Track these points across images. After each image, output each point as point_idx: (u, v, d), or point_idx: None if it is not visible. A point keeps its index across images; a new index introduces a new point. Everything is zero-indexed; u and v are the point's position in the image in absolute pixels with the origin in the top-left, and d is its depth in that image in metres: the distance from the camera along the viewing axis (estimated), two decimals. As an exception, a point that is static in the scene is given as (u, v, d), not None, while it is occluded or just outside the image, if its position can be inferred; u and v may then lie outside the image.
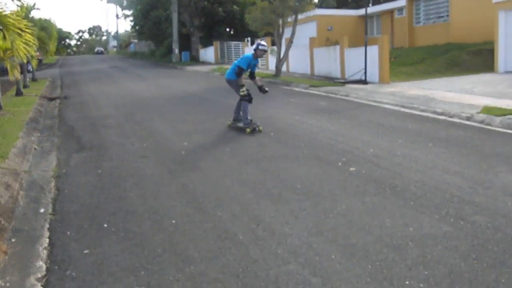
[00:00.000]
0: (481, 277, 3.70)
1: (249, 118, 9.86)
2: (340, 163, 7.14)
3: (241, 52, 36.46)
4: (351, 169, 6.85)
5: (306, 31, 30.13)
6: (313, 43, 24.87)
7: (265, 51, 9.92)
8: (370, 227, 4.73)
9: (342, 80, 19.89)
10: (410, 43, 28.27)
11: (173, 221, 5.07)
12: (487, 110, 11.03)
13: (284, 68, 25.05)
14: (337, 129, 9.75)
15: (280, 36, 23.75)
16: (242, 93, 9.83)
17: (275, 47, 24.72)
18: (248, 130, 9.56)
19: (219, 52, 40.48)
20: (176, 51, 42.42)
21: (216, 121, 11.19)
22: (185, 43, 44.32)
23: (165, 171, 7.05)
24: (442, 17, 26.22)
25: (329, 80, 20.68)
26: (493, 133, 9.19)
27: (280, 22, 23.43)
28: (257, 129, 9.65)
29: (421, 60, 22.26)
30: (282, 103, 14.27)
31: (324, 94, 16.56)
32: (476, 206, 5.24)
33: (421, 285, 3.61)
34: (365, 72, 18.70)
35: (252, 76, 10.35)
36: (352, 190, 5.91)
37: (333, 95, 16.09)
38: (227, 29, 46.76)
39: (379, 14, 31.63)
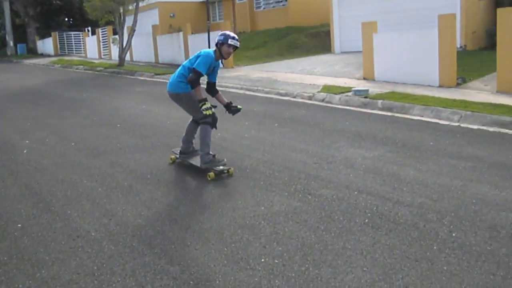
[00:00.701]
0: (330, 246, 3.87)
1: (211, 152, 6.03)
2: (190, 149, 7.10)
3: (82, 42, 35.05)
4: (201, 154, 6.85)
5: (149, 19, 29.72)
6: (156, 30, 24.59)
7: (237, 47, 5.92)
8: (223, 210, 4.76)
9: (188, 67, 19.84)
10: (252, 27, 28.97)
11: (19, 225, 4.70)
12: (327, 88, 11.64)
13: (128, 57, 24.49)
14: (184, 116, 9.63)
15: (122, 24, 23.12)
16: (205, 112, 5.85)
17: (117, 36, 24.02)
18: (211, 175, 5.77)
19: (59, 43, 38.75)
20: (11, 43, 39.79)
21: (59, 115, 10.62)
22: (21, 35, 41.54)
23: (6, 173, 6.52)
24: (281, 1, 27.17)
25: (175, 67, 20.48)
26: (333, 110, 9.71)
27: (121, 10, 22.78)
28: (225, 171, 5.90)
29: (263, 44, 22.93)
30: (128, 93, 13.96)
31: (170, 81, 16.39)
32: (322, 180, 5.50)
33: (276, 260, 3.70)
34: (210, 58, 18.79)
35: (211, 87, 6.38)
36: (201, 175, 5.92)
37: (180, 82, 15.98)
38: (66, 19, 44.56)
39: (221, 0, 31.99)
